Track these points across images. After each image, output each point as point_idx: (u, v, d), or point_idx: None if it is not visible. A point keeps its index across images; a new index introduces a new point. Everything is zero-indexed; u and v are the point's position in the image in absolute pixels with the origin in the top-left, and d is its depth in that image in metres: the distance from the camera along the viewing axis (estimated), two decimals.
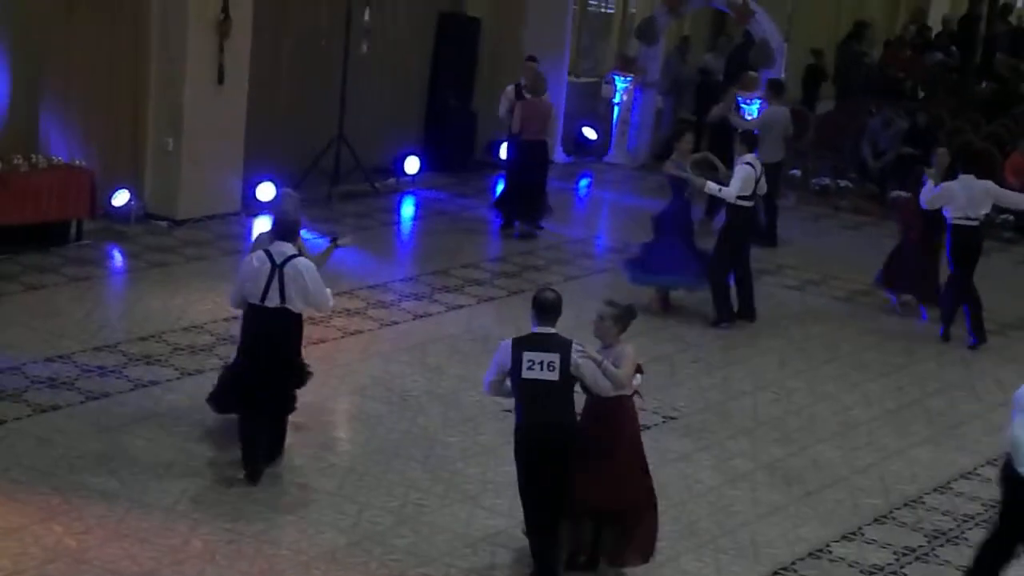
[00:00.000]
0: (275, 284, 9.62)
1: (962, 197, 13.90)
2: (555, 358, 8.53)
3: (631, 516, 8.83)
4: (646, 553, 8.93)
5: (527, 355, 8.53)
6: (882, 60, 23.66)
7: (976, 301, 14.15)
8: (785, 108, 17.67)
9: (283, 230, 9.85)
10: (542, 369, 8.52)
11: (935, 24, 27.00)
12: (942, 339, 14.17)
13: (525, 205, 16.53)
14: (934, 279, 14.65)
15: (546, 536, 8.74)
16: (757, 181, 13.95)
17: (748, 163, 13.93)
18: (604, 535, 8.90)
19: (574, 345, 8.62)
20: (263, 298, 9.63)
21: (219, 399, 10.18)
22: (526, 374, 8.53)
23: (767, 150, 17.26)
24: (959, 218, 13.93)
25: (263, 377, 9.73)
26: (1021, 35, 26.80)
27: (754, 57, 20.34)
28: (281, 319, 9.72)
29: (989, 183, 14.29)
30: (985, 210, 14.11)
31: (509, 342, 8.66)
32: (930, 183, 14.25)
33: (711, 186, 13.86)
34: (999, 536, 8.93)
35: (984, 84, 22.94)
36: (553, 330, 8.65)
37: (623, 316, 8.86)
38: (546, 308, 8.64)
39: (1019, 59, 24.99)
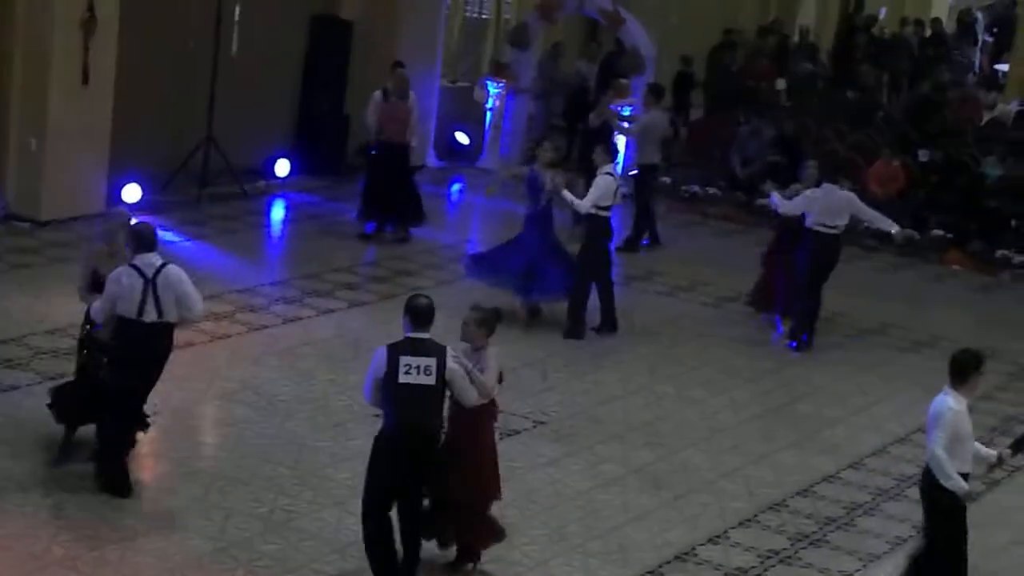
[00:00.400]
0: (150, 298, 9.45)
1: (822, 205, 14.10)
2: (432, 363, 8.55)
3: (483, 505, 9.06)
4: (499, 534, 9.18)
5: (404, 360, 8.52)
6: (740, 71, 23.95)
7: (818, 309, 14.35)
8: (664, 113, 17.95)
9: (143, 242, 9.63)
10: (419, 374, 8.53)
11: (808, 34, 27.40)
12: (801, 348, 14.29)
13: (393, 208, 16.47)
14: (783, 289, 14.64)
15: (409, 537, 8.82)
16: (616, 191, 13.93)
17: (608, 173, 13.86)
18: (462, 525, 9.06)
19: (448, 350, 8.65)
20: (139, 313, 9.46)
21: (69, 411, 9.94)
22: (403, 379, 8.51)
23: (646, 153, 17.51)
24: (818, 224, 14.10)
25: (144, 389, 9.66)
26: (884, 46, 27.36)
27: (625, 64, 20.52)
28: (160, 332, 9.58)
29: (852, 195, 14.51)
30: (843, 221, 14.23)
31: (384, 348, 8.62)
32: (776, 196, 14.44)
33: (566, 195, 13.83)
34: (932, 552, 9.00)
35: (849, 94, 23.35)
36: (428, 335, 8.65)
37: (488, 320, 8.99)
38: (420, 314, 8.65)
39: (882, 69, 25.50)
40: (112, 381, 9.62)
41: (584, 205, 13.76)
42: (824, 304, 15.39)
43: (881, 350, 14.74)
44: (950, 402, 8.81)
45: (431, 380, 8.55)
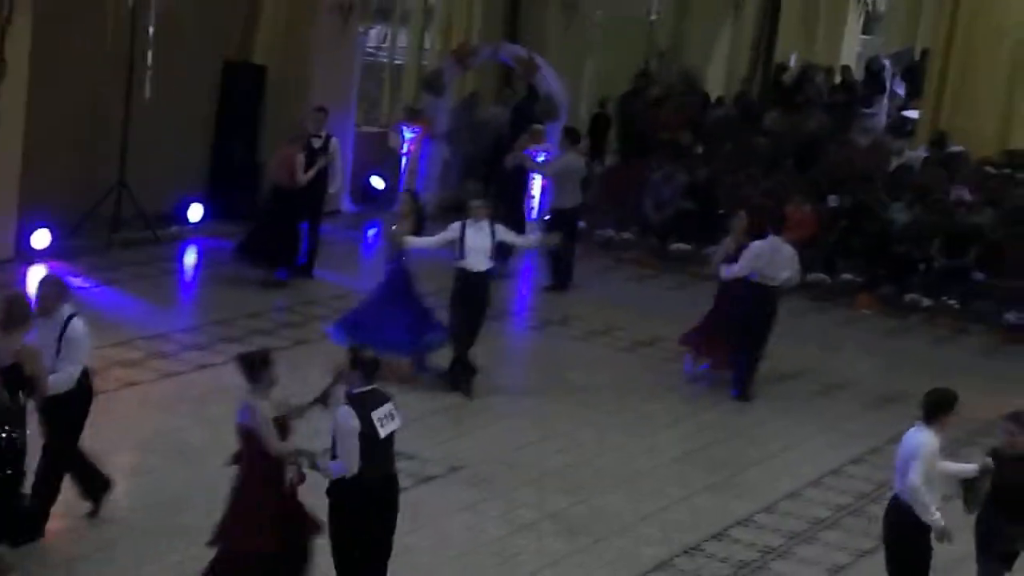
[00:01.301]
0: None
1: (768, 259, 14.07)
2: (391, 407, 8.77)
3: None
4: None
5: (375, 415, 8.60)
6: (649, 122, 24.07)
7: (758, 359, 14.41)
8: (580, 156, 18.04)
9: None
10: (390, 421, 8.71)
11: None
12: (739, 398, 14.25)
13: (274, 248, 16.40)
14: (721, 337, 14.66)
15: None
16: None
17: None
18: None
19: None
20: None
21: None
22: (383, 432, 8.63)
23: (564, 196, 17.55)
24: (762, 276, 14.09)
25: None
26: (793, 92, 27.72)
27: (540, 110, 20.61)
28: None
29: (793, 250, 14.44)
30: (787, 273, 14.26)
31: (348, 410, 8.54)
32: (723, 267, 14.24)
33: (412, 240, 13.24)
34: None
35: (760, 139, 23.60)
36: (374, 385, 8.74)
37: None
38: (371, 365, 8.73)
39: (792, 115, 25.82)
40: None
41: (416, 242, 13.20)
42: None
43: (794, 394, 14.84)
44: (924, 437, 8.96)
45: (397, 423, 8.79)
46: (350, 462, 8.51)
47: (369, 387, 8.69)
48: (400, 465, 11.45)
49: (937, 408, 9.06)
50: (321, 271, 16.92)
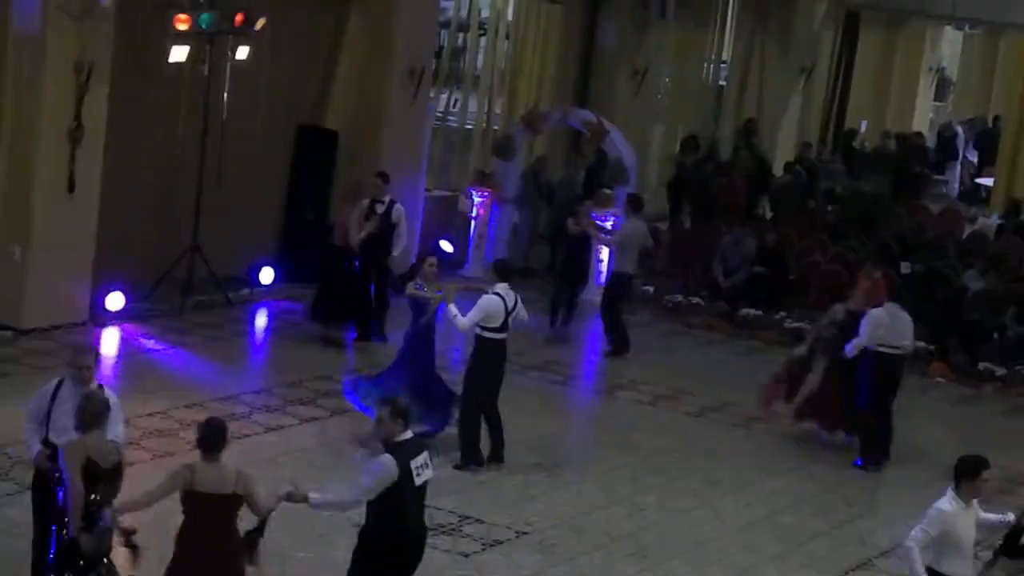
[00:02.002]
0: None
1: (888, 327, 14.06)
2: (427, 456, 8.90)
3: None
4: None
5: (413, 463, 8.73)
6: (717, 191, 24.08)
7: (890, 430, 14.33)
8: (643, 223, 18.06)
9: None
10: (424, 470, 8.83)
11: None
12: (869, 468, 14.16)
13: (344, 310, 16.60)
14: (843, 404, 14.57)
15: None
16: (509, 312, 13.03)
17: (497, 293, 13.04)
18: None
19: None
20: None
21: None
22: (418, 481, 8.75)
23: (625, 262, 17.58)
24: (883, 347, 14.08)
25: None
26: (860, 159, 27.65)
27: (608, 175, 20.68)
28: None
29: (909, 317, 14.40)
30: (908, 341, 14.25)
31: (391, 458, 8.68)
32: (849, 346, 14.11)
33: (451, 309, 12.93)
34: None
35: (829, 207, 23.54)
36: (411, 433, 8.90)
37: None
38: (408, 413, 8.87)
39: (859, 182, 25.76)
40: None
41: (464, 324, 12.91)
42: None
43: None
44: (942, 503, 9.03)
45: (431, 472, 8.90)
46: (355, 497, 8.71)
47: (407, 436, 8.83)
48: (468, 529, 11.55)
49: (960, 474, 9.10)
50: (391, 333, 16.96)
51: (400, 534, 8.77)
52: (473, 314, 12.92)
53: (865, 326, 14.08)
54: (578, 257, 18.58)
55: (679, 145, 24.89)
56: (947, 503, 9.02)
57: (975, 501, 9.14)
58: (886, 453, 14.35)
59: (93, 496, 8.48)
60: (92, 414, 8.68)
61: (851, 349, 14.16)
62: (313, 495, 8.87)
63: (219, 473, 8.44)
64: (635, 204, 18.01)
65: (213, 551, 8.37)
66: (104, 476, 8.58)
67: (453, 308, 12.93)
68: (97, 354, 9.70)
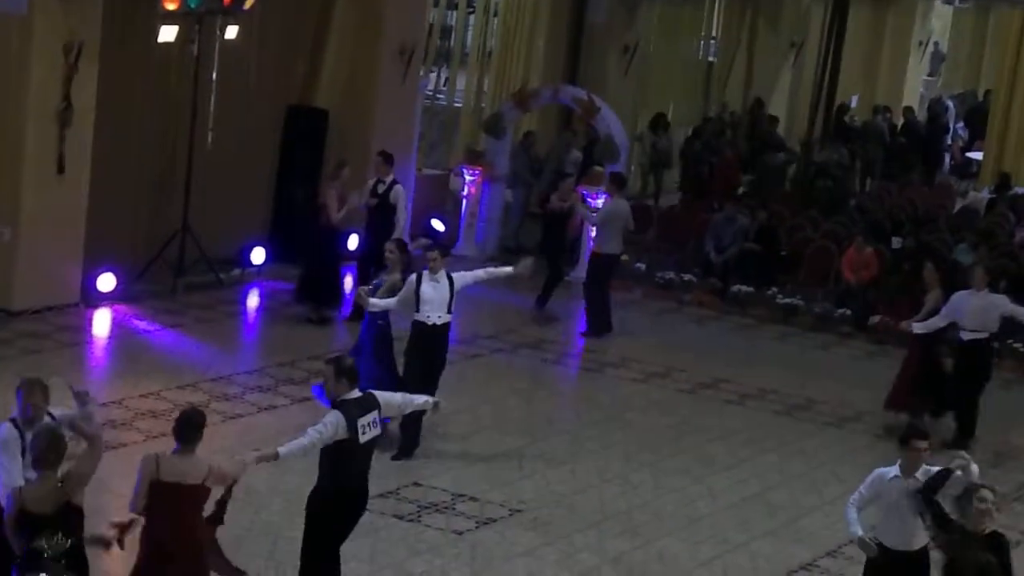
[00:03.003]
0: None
1: (970, 311, 14.13)
2: (376, 415, 9.10)
3: None
4: None
5: (360, 421, 8.96)
6: (714, 171, 24.07)
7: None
8: (626, 201, 17.93)
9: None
10: (372, 428, 9.04)
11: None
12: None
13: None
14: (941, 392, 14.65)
15: None
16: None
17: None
18: None
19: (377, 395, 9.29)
20: None
21: None
22: (363, 439, 8.97)
23: (609, 242, 17.50)
24: (962, 329, 14.24)
25: None
26: (853, 134, 27.64)
27: (599, 152, 20.65)
28: None
29: (1002, 298, 14.53)
30: (993, 327, 14.33)
31: (340, 414, 8.94)
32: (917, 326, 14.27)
33: (373, 302, 12.51)
34: None
35: (820, 182, 23.54)
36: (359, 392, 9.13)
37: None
38: (355, 373, 9.15)
39: (852, 158, 25.76)
40: None
41: (385, 303, 12.56)
42: (798, 391, 15.47)
43: (856, 438, 14.72)
44: (886, 468, 9.21)
45: (379, 430, 9.15)
46: (312, 440, 8.88)
47: (355, 395, 9.04)
48: (461, 507, 11.58)
49: (898, 442, 9.24)
50: None
51: (344, 491, 9.04)
52: (396, 298, 12.62)
53: (946, 308, 14.20)
54: (556, 233, 18.48)
55: (648, 123, 24.79)
56: (889, 468, 9.12)
57: (920, 471, 9.02)
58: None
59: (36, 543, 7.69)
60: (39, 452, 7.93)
61: (921, 327, 14.32)
62: (280, 449, 9.01)
63: (189, 464, 8.33)
64: (619, 182, 17.91)
65: (177, 542, 8.31)
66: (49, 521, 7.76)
67: (375, 300, 12.58)
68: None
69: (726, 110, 27.10)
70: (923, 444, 9.08)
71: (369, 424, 9.01)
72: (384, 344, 12.84)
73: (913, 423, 9.24)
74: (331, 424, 8.93)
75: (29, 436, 8.27)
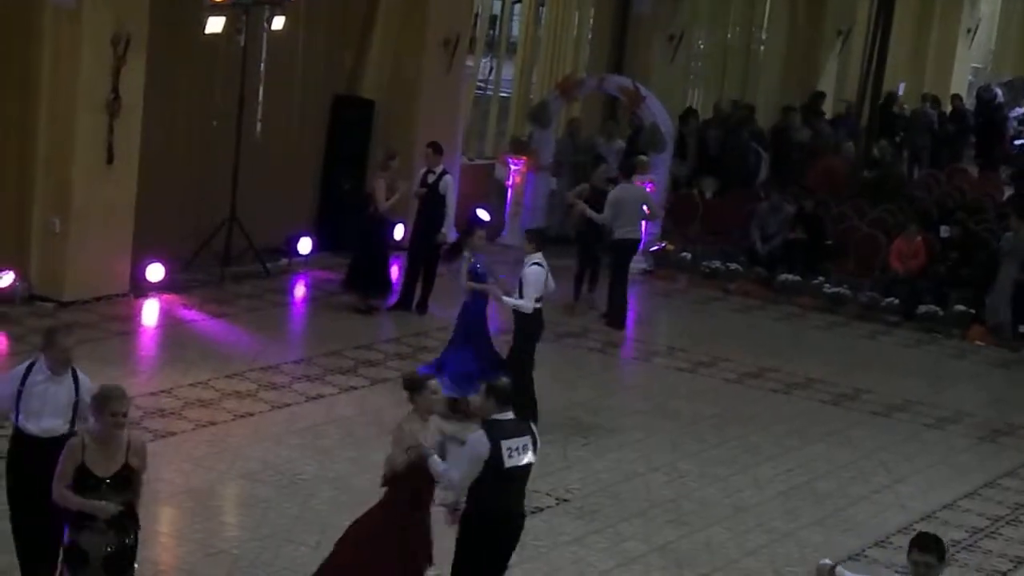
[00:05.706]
0: None
1: None
2: (527, 441, 8.70)
3: None
4: None
5: (505, 444, 8.57)
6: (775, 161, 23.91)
7: None
8: (638, 187, 17.76)
9: None
10: (520, 454, 8.64)
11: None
12: None
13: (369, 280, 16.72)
14: None
15: None
16: (547, 280, 13.04)
17: (536, 263, 12.98)
18: None
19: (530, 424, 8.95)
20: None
21: None
22: (508, 463, 8.57)
23: (623, 227, 17.33)
24: None
25: None
26: (901, 122, 27.45)
27: (644, 141, 20.62)
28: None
29: None
30: None
31: (483, 434, 8.58)
32: None
33: (507, 300, 12.97)
34: None
35: (867, 171, 23.39)
36: (512, 415, 8.75)
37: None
38: (506, 394, 8.72)
39: (899, 146, 25.58)
40: None
41: (528, 305, 12.85)
42: (845, 381, 15.40)
43: (904, 427, 14.67)
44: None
45: (530, 457, 8.71)
46: (457, 477, 8.59)
47: (505, 417, 8.68)
48: None
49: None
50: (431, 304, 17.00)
51: (485, 514, 8.65)
52: (529, 292, 12.90)
53: None
54: (587, 222, 18.29)
55: (678, 117, 24.63)
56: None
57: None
58: None
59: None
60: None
61: None
62: (438, 461, 8.72)
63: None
64: (626, 170, 17.85)
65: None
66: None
67: (508, 298, 13.05)
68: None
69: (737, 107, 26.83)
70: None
71: (517, 449, 8.61)
72: (482, 321, 13.38)
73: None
74: (467, 454, 8.59)
75: None
